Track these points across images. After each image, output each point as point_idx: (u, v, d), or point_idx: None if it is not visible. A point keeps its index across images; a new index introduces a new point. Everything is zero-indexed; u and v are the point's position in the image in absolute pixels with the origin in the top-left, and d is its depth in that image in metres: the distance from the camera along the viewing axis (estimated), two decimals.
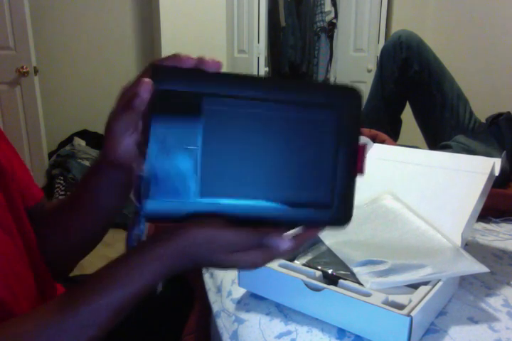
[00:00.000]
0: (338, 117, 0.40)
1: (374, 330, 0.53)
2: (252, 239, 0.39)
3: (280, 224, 0.41)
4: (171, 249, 0.39)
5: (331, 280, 0.59)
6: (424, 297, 0.54)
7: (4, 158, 0.55)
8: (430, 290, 0.56)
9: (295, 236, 0.41)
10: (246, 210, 0.39)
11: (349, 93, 0.41)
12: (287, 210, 0.40)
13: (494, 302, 0.64)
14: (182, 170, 0.38)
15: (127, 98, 0.40)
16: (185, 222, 0.39)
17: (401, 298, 0.54)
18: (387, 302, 0.54)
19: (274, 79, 0.42)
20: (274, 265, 0.61)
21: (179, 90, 0.37)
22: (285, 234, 0.40)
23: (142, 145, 0.42)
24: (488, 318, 0.60)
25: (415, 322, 0.50)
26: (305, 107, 0.40)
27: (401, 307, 0.52)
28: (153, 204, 0.38)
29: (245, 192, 0.39)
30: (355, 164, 0.41)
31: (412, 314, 0.50)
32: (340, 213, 0.41)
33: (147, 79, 0.37)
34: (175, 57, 0.39)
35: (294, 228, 0.42)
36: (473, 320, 0.60)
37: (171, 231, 0.39)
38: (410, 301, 0.53)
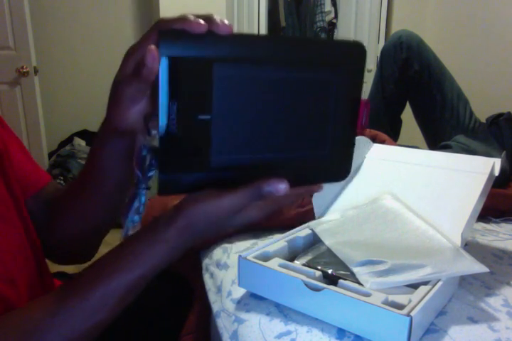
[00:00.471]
0: (342, 73, 0.40)
1: (374, 330, 0.53)
2: (248, 195, 0.39)
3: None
4: (173, 231, 0.39)
5: (331, 280, 0.59)
6: (424, 297, 0.54)
7: (1, 144, 0.54)
8: (430, 290, 0.56)
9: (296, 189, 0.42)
10: (254, 170, 0.40)
11: (353, 48, 0.41)
12: (291, 166, 0.41)
13: (494, 302, 0.64)
14: (194, 140, 0.37)
15: (135, 63, 0.39)
16: (198, 192, 0.40)
17: (401, 298, 0.54)
18: (387, 302, 0.54)
19: (280, 38, 0.42)
20: (274, 265, 0.61)
21: (188, 56, 0.35)
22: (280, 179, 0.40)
23: (149, 115, 0.42)
24: (488, 318, 0.60)
25: (415, 322, 0.50)
26: (311, 66, 0.40)
27: (401, 307, 0.52)
28: (166, 177, 0.37)
29: (255, 154, 0.40)
30: (356, 120, 0.42)
31: (412, 314, 0.50)
32: (339, 167, 0.43)
33: (153, 47, 0.35)
34: (184, 21, 0.36)
35: (297, 184, 0.42)
36: (473, 320, 0.60)
37: (170, 213, 0.40)
38: (410, 301, 0.53)
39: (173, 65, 0.35)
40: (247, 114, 0.38)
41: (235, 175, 0.40)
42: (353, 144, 0.44)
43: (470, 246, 0.84)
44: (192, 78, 0.35)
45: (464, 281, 0.69)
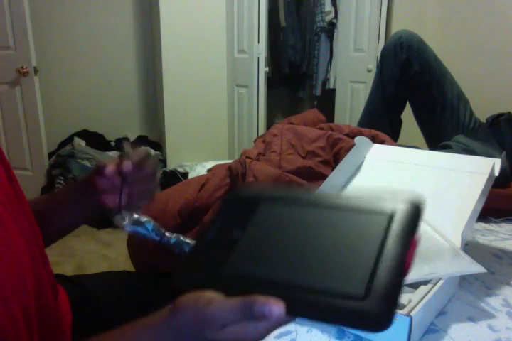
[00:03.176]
0: (390, 220, 0.39)
1: None
2: (238, 308, 0.36)
3: (303, 311, 0.37)
4: (166, 328, 0.40)
5: None
6: (424, 297, 0.54)
7: None
8: (430, 290, 0.56)
9: None
10: (265, 288, 0.37)
11: (409, 203, 0.40)
12: (309, 297, 0.36)
13: (494, 302, 0.64)
14: (221, 247, 0.41)
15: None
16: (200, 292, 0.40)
17: (401, 298, 0.54)
18: None
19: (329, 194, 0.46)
20: None
21: (245, 195, 0.46)
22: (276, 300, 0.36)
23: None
24: (488, 318, 0.60)
25: (415, 322, 0.50)
26: (357, 213, 0.41)
27: (401, 307, 0.52)
28: (182, 270, 0.41)
29: (271, 273, 0.38)
30: (402, 264, 0.36)
31: (412, 314, 0.50)
32: (374, 314, 0.34)
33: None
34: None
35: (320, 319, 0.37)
36: (472, 320, 0.60)
37: (167, 310, 0.41)
38: (410, 301, 0.53)
39: (232, 197, 0.47)
40: (277, 240, 0.41)
41: (245, 288, 0.38)
42: (398, 290, 0.35)
43: (470, 246, 0.83)
44: (241, 208, 0.44)
45: (464, 281, 0.69)
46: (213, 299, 0.37)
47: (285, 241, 0.40)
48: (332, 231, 0.40)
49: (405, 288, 0.58)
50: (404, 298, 0.54)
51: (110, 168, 0.57)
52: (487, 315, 0.61)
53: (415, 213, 0.40)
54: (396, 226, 0.39)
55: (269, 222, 0.42)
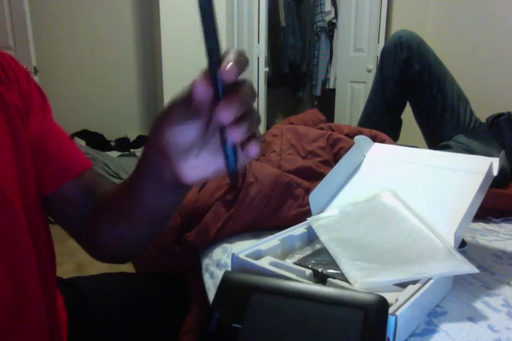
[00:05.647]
0: (364, 316, 0.46)
1: None
2: None
3: None
4: None
5: (321, 278, 0.60)
6: (411, 296, 0.54)
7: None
8: (419, 289, 0.55)
9: None
10: None
11: (376, 301, 0.48)
12: None
13: (494, 302, 0.64)
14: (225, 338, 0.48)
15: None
16: None
17: (388, 297, 0.54)
18: None
19: (315, 287, 0.51)
20: (265, 263, 0.61)
21: (236, 284, 0.52)
22: None
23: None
24: (488, 318, 0.60)
25: (401, 322, 0.50)
26: (337, 306, 0.48)
27: None
28: None
29: None
30: None
31: (397, 313, 0.50)
32: None
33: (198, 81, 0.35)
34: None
35: None
36: (472, 320, 0.60)
37: None
38: (397, 300, 0.53)
39: (225, 284, 0.52)
40: (270, 333, 0.47)
41: None
42: None
43: (470, 246, 0.83)
44: (236, 297, 0.50)
45: (464, 281, 0.69)
46: None
47: (276, 335, 0.47)
48: (314, 324, 0.47)
49: (394, 287, 0.58)
50: (392, 297, 0.54)
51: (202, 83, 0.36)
52: (487, 315, 0.61)
53: (383, 310, 0.47)
54: (371, 323, 0.46)
55: (262, 313, 0.49)
